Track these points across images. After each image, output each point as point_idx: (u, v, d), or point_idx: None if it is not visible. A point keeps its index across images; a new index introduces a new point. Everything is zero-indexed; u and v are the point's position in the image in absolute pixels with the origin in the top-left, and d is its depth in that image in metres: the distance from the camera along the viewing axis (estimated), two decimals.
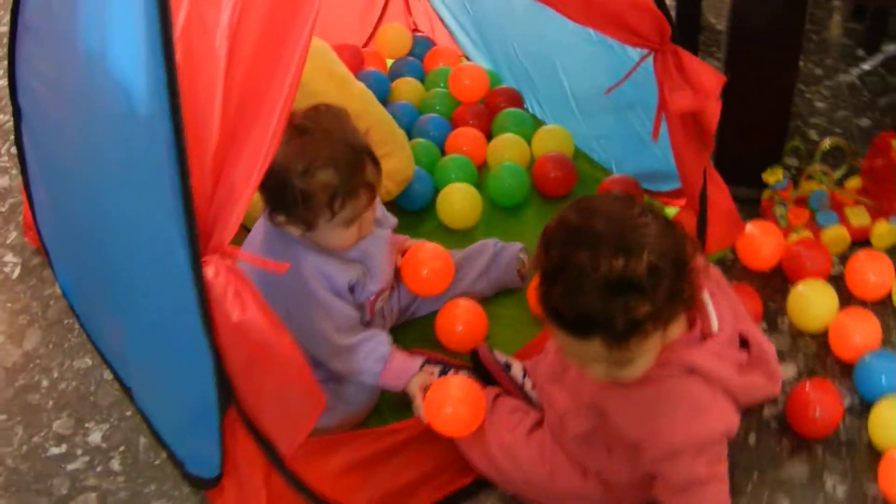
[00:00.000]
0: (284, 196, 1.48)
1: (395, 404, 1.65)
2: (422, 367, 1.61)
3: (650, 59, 1.58)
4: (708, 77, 1.55)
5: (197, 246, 1.20)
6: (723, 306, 1.35)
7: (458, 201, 1.99)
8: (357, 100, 1.88)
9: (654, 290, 1.18)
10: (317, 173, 1.47)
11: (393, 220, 1.74)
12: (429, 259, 1.72)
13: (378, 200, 1.65)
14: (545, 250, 1.25)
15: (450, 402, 1.52)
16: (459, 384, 1.53)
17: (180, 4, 1.18)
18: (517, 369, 1.63)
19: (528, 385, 1.61)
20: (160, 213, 1.25)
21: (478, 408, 1.52)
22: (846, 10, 2.63)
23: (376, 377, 1.60)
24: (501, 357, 1.64)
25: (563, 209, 1.27)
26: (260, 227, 1.60)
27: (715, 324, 1.33)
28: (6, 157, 2.36)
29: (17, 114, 1.85)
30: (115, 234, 1.47)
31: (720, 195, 1.73)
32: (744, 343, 1.39)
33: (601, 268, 1.18)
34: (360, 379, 1.61)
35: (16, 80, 1.81)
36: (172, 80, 1.16)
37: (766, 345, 1.42)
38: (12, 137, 2.34)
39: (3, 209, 2.21)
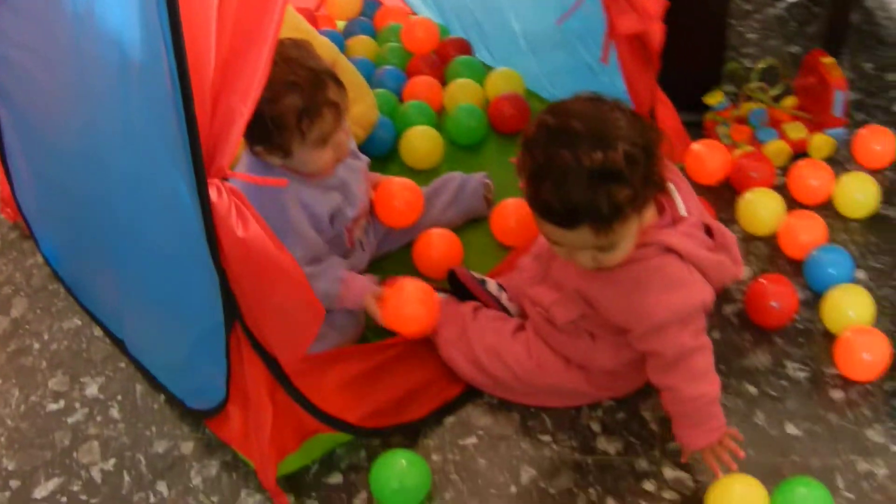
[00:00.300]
0: (258, 125, 1.53)
1: (380, 331, 1.74)
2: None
3: None
4: (651, 1, 1.67)
5: (202, 169, 1.29)
6: (686, 195, 1.47)
7: (421, 142, 2.10)
8: (322, 51, 1.96)
9: (632, 175, 1.31)
10: (282, 98, 1.56)
11: (365, 158, 1.83)
12: (399, 191, 1.83)
13: (350, 137, 1.74)
14: (529, 153, 1.37)
15: (406, 303, 1.64)
16: (413, 286, 1.65)
17: None
18: (492, 285, 1.74)
19: (503, 298, 1.72)
20: (161, 149, 1.34)
21: (432, 306, 1.65)
22: None
23: (337, 299, 1.70)
24: (477, 275, 1.75)
25: (538, 114, 1.38)
26: (242, 166, 1.68)
27: (682, 208, 1.46)
28: None
29: None
30: (112, 182, 1.54)
31: (667, 113, 1.87)
32: (707, 232, 1.52)
33: (583, 162, 1.30)
34: (325, 304, 1.69)
35: None
36: (175, 18, 1.22)
37: (728, 233, 1.56)
38: None
39: None
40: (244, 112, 1.31)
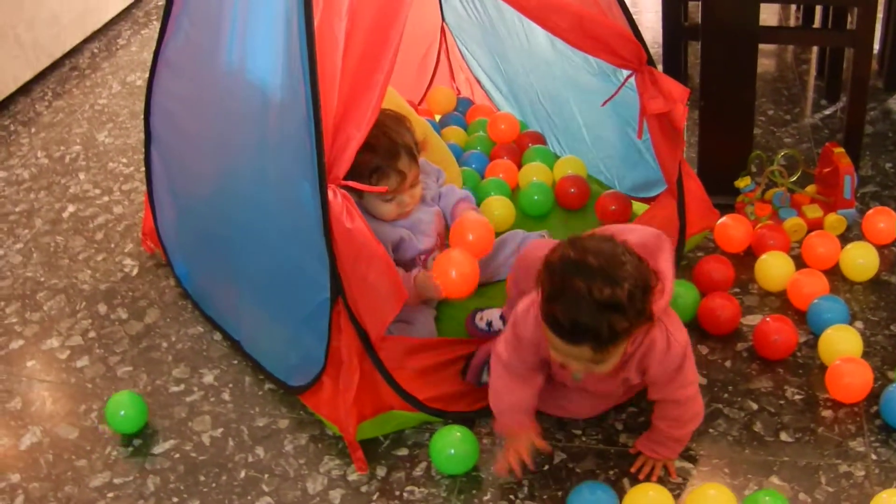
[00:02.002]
0: None
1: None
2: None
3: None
4: (675, 88, 2.24)
5: (324, 177, 1.87)
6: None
7: (497, 208, 2.63)
8: (420, 127, 2.57)
9: (630, 309, 1.69)
10: (361, 153, 2.05)
11: (463, 193, 2.46)
12: (475, 228, 2.33)
13: (437, 185, 2.36)
14: (548, 275, 1.73)
15: (453, 266, 2.19)
16: (459, 254, 2.20)
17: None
18: (497, 323, 2.25)
19: None
20: (291, 163, 1.94)
21: (474, 271, 2.20)
22: (815, 71, 3.44)
23: None
24: (482, 321, 2.27)
25: (558, 246, 1.77)
26: None
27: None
28: (118, 194, 3.13)
29: (147, 136, 2.56)
30: (246, 197, 2.17)
31: (693, 184, 2.42)
32: None
33: (594, 293, 1.67)
34: None
35: (151, 106, 2.51)
36: (314, 67, 1.82)
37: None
38: (121, 179, 3.14)
39: (120, 229, 2.94)
40: (357, 137, 1.90)
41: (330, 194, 1.88)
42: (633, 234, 1.91)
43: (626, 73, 2.30)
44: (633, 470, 2.01)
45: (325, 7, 1.86)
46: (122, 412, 2.21)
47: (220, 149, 2.25)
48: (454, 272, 2.20)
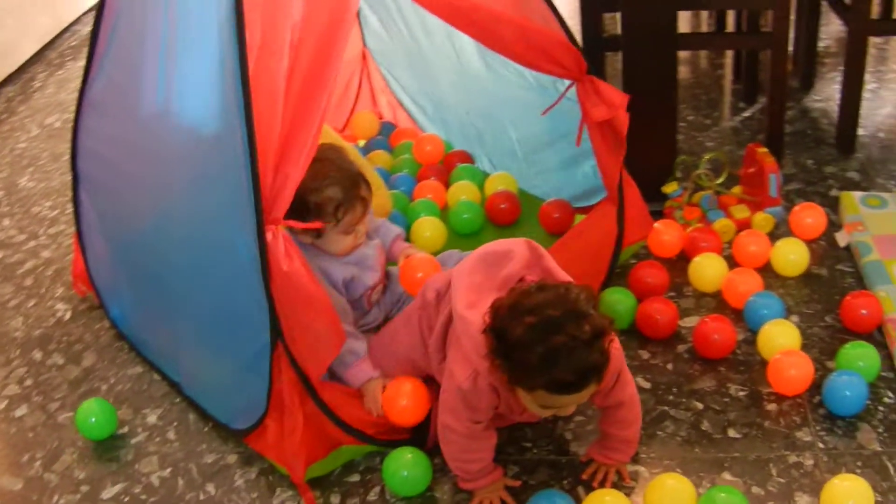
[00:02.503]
0: (301, 208, 2.05)
1: None
2: None
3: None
4: (616, 95, 2.29)
5: (262, 217, 1.82)
6: None
7: (428, 229, 2.65)
8: (354, 154, 2.58)
9: (603, 325, 1.73)
10: (325, 189, 2.10)
11: (397, 229, 2.40)
12: (423, 266, 2.28)
13: (373, 219, 2.33)
14: (525, 352, 1.70)
15: (403, 396, 2.07)
16: (411, 384, 2.09)
17: (253, 29, 1.82)
18: None
19: None
20: (226, 204, 1.89)
21: (425, 402, 2.09)
22: (732, 75, 3.53)
23: (345, 369, 2.12)
24: None
25: (512, 318, 1.73)
26: None
27: None
28: (45, 237, 3.08)
29: (75, 177, 2.52)
30: (180, 239, 2.12)
31: (632, 192, 2.45)
32: None
33: (580, 336, 1.69)
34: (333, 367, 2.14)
35: (77, 147, 2.47)
36: (248, 102, 1.79)
37: None
38: (46, 223, 3.08)
39: (49, 273, 2.89)
40: (294, 176, 1.86)
41: (269, 236, 1.84)
42: (513, 262, 1.93)
43: (564, 84, 2.32)
44: (585, 477, 2.02)
45: (263, 47, 1.83)
46: (93, 419, 2.25)
47: (153, 190, 2.21)
48: (405, 402, 2.08)
